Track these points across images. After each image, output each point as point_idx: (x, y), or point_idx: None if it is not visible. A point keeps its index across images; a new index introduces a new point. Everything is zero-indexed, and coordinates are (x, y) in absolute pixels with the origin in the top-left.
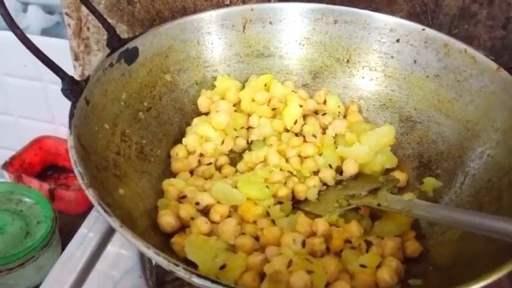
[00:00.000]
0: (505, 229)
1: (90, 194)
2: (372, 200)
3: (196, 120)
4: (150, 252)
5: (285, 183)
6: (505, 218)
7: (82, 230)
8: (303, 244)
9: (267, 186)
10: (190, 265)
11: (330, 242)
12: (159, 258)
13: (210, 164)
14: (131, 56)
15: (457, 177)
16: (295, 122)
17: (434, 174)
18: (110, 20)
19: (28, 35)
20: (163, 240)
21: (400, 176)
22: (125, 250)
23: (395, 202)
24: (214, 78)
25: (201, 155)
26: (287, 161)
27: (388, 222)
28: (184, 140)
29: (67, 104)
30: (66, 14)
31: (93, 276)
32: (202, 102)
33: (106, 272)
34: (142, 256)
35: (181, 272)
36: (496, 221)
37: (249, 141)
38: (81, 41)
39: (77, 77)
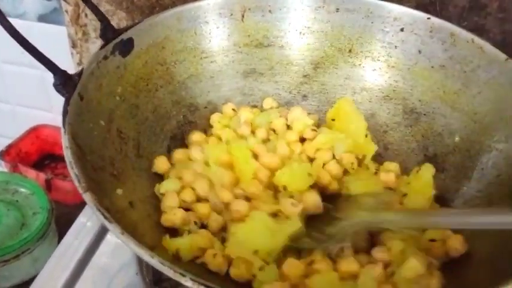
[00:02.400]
0: None
1: (87, 198)
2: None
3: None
4: (155, 262)
5: None
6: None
7: (80, 220)
8: None
9: None
10: (197, 267)
11: None
12: (164, 268)
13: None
14: (126, 47)
15: (465, 171)
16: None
17: (441, 168)
18: (108, 7)
19: (25, 22)
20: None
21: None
22: None
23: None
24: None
25: None
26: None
27: None
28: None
29: None
30: None
31: (90, 268)
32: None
33: (104, 263)
34: None
35: (188, 282)
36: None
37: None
38: (79, 28)
39: (74, 65)
